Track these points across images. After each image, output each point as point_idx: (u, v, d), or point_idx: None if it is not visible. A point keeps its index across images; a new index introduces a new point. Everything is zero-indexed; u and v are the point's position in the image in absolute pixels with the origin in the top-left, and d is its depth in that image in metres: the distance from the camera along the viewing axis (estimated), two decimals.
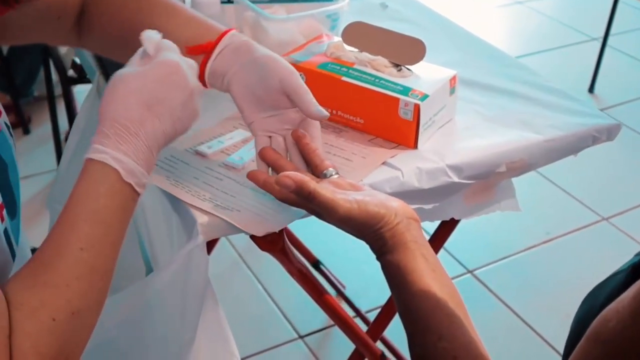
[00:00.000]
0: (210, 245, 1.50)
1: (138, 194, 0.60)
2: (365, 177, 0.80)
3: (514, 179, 0.94)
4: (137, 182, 0.59)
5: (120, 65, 0.66)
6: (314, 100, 0.71)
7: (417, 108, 0.84)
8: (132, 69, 0.63)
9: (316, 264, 1.66)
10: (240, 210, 0.74)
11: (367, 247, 0.65)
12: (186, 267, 0.72)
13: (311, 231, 1.64)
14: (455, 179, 0.84)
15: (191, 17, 0.77)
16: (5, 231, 0.58)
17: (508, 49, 1.32)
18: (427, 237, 0.99)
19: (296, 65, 0.87)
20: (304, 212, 0.73)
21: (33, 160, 2.11)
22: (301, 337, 1.62)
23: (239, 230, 0.72)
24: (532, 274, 1.83)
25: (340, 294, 1.64)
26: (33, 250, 0.60)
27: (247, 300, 1.71)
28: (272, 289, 1.73)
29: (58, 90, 1.91)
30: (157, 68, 0.63)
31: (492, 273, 1.81)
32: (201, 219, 0.72)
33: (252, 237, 0.74)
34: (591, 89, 2.62)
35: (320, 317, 1.60)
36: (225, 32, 0.75)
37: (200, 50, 0.74)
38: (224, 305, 0.77)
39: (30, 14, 0.74)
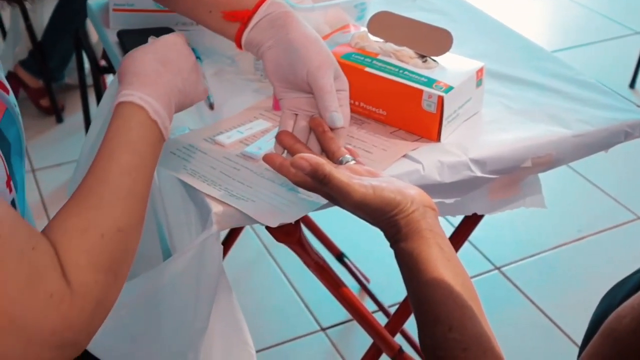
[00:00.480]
0: (235, 235, 1.52)
1: (164, 138, 0.64)
2: (385, 169, 0.79)
3: (545, 174, 0.91)
4: (162, 123, 0.63)
5: None
6: (334, 104, 0.71)
7: (440, 100, 0.82)
8: None
9: (340, 256, 1.64)
10: (255, 201, 0.73)
11: None
12: (200, 256, 0.71)
13: (336, 223, 1.63)
14: (478, 173, 0.82)
15: None
16: (13, 202, 0.61)
17: (547, 42, 1.29)
18: (451, 231, 0.98)
19: None
20: (319, 204, 0.72)
21: (65, 148, 2.14)
22: (323, 329, 1.62)
23: (253, 221, 0.71)
24: (561, 273, 1.79)
25: (363, 287, 1.63)
26: None
27: (271, 290, 1.71)
28: (295, 281, 1.72)
29: (90, 79, 1.93)
30: (163, 39, 0.70)
31: (520, 270, 1.78)
32: (216, 208, 0.72)
33: (268, 228, 0.74)
34: (632, 84, 2.54)
35: (343, 310, 1.58)
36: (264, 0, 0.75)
37: (237, 18, 0.75)
38: (247, 295, 0.77)
39: None
